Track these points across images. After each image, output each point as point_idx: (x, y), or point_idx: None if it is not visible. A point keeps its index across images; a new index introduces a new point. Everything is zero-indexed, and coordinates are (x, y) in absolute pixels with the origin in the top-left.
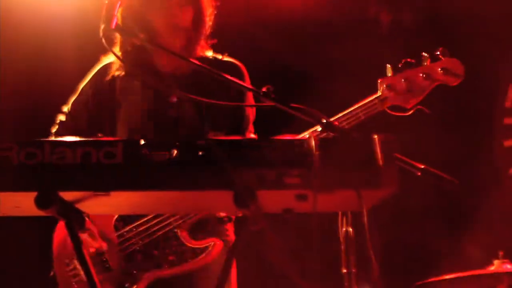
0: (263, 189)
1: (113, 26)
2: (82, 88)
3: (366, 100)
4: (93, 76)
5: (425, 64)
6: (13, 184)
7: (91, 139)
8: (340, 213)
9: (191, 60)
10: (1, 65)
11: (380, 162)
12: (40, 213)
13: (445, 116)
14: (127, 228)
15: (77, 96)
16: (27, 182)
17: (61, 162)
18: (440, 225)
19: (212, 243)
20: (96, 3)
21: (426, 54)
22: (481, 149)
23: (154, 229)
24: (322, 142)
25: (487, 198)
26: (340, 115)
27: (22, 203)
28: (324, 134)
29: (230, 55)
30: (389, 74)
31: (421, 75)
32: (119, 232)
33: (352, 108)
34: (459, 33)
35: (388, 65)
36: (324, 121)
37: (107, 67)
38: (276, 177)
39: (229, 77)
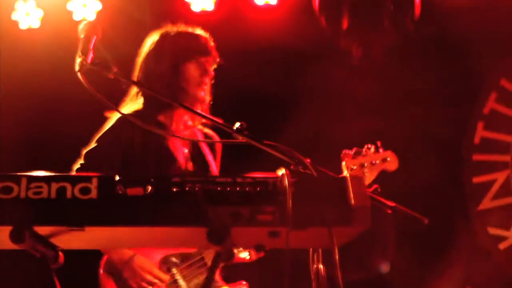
0: (237, 226)
1: (90, 60)
2: (100, 141)
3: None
4: (111, 130)
5: (371, 153)
6: None
7: (67, 174)
8: (311, 250)
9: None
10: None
11: (352, 201)
12: (14, 247)
13: (415, 149)
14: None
15: (95, 149)
16: (2, 216)
17: (37, 197)
18: (409, 259)
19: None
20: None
21: (370, 145)
22: (451, 183)
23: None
24: (295, 180)
25: (456, 233)
26: None
27: None
28: (297, 172)
29: None
30: (348, 158)
31: (371, 161)
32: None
33: None
34: (430, 65)
35: (345, 150)
36: (297, 159)
37: (124, 121)
38: (249, 214)
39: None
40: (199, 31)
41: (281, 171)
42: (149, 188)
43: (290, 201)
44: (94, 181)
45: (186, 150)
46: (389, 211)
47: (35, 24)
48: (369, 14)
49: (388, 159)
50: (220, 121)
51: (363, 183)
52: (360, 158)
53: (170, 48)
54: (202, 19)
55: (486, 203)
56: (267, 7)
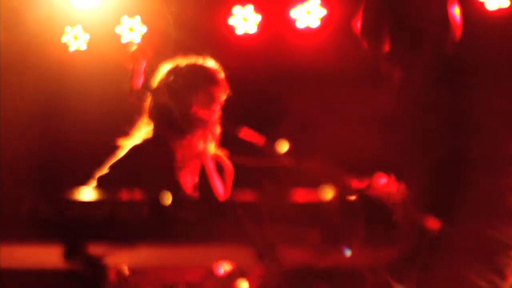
0: (284, 245)
1: (140, 84)
2: (113, 168)
3: None
4: (127, 157)
5: None
6: (41, 236)
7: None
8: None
9: None
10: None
11: (396, 222)
12: (66, 265)
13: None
14: None
15: (107, 175)
16: (52, 235)
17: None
18: None
19: None
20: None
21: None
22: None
23: None
24: (343, 203)
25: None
26: None
27: (48, 256)
28: (345, 195)
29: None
30: None
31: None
32: None
33: None
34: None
35: None
36: (341, 179)
37: (137, 150)
38: (296, 234)
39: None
40: (209, 62)
41: (328, 193)
42: (198, 210)
43: (338, 223)
44: (146, 202)
45: (197, 180)
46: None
47: (83, 47)
48: (409, 37)
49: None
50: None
51: (408, 203)
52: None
53: (180, 80)
54: (245, 42)
55: None
56: (308, 30)
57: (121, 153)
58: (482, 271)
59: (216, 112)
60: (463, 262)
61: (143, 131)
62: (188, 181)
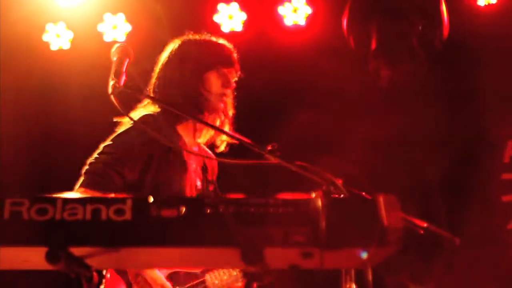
0: (270, 246)
1: (122, 82)
2: (112, 148)
3: None
4: (125, 138)
5: None
6: (24, 239)
7: (101, 196)
8: (343, 270)
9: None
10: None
11: (385, 221)
12: (49, 267)
13: (444, 171)
14: None
15: (107, 155)
16: (38, 237)
17: (72, 218)
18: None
19: None
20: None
21: None
22: (479, 202)
23: None
24: (328, 201)
25: (486, 253)
26: None
27: (32, 258)
28: (330, 193)
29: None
30: None
31: None
32: None
33: None
34: (460, 89)
35: None
36: (329, 179)
37: (139, 131)
38: (282, 235)
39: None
40: (222, 41)
41: (314, 192)
42: (183, 209)
43: (324, 222)
44: (129, 202)
45: (194, 166)
46: (421, 232)
47: (66, 45)
48: (397, 35)
49: None
50: (248, 141)
51: (396, 204)
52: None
53: (192, 55)
54: (231, 40)
55: None
56: (296, 28)
57: (119, 131)
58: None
59: (228, 96)
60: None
61: (142, 111)
62: (191, 166)
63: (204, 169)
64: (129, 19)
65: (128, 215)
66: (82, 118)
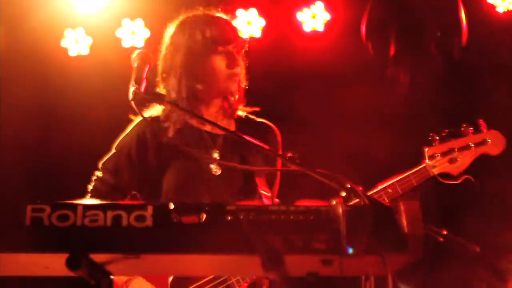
0: (290, 253)
1: (143, 89)
2: (123, 144)
3: (417, 168)
4: (136, 133)
5: (468, 135)
6: (45, 246)
7: (122, 202)
8: (363, 277)
9: (225, 127)
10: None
11: (405, 228)
12: (70, 274)
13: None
14: None
15: (118, 152)
16: (58, 243)
17: (93, 225)
18: None
19: None
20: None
21: (468, 126)
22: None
23: None
24: (348, 209)
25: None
26: (392, 181)
27: (52, 264)
28: (350, 200)
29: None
30: (434, 144)
31: (465, 145)
32: None
33: (405, 175)
34: (478, 94)
35: (432, 134)
36: (349, 186)
37: (149, 124)
38: (303, 242)
39: (257, 142)
40: (218, 14)
41: (334, 199)
42: (204, 216)
43: (344, 230)
44: (150, 209)
45: (217, 151)
46: (442, 239)
47: (84, 51)
48: (416, 41)
49: (489, 140)
50: (267, 147)
51: (417, 210)
52: (450, 142)
53: (189, 39)
54: (249, 45)
55: None
56: (314, 34)
57: (130, 129)
58: (484, 275)
59: (238, 74)
60: (466, 266)
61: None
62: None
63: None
64: (147, 25)
65: (149, 222)
66: (102, 124)
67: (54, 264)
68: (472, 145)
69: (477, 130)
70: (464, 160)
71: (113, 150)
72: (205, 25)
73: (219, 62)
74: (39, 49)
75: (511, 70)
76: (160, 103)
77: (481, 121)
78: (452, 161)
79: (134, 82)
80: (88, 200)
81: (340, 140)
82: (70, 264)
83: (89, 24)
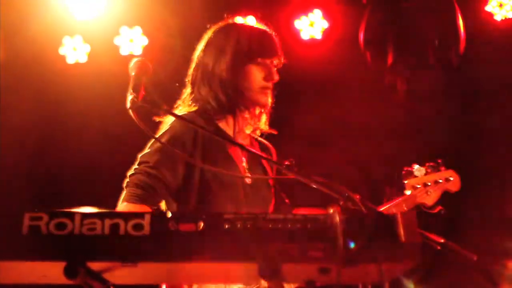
0: (287, 262)
1: (140, 98)
2: (149, 157)
3: (406, 196)
4: (187, 128)
5: (440, 171)
6: (42, 254)
7: (119, 211)
8: (360, 285)
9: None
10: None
11: (402, 237)
12: (67, 282)
13: None
14: None
15: (145, 165)
16: (56, 252)
17: (91, 233)
18: None
19: None
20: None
21: (441, 163)
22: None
23: None
24: (345, 217)
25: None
26: (385, 206)
27: (50, 272)
28: (347, 209)
29: None
30: (415, 176)
31: (438, 179)
32: None
33: (396, 201)
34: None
35: (415, 166)
36: (347, 195)
37: (182, 123)
38: (300, 250)
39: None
40: (263, 27)
41: (331, 208)
42: (201, 224)
43: (341, 238)
44: (147, 217)
45: (244, 160)
46: (439, 247)
47: (82, 59)
48: (414, 50)
49: (451, 178)
50: (266, 156)
51: (414, 220)
52: (423, 176)
53: (231, 45)
54: None
55: None
56: (313, 41)
57: (164, 128)
58: (478, 280)
59: (271, 88)
60: (460, 272)
61: (184, 107)
62: (239, 161)
63: (256, 163)
64: (145, 33)
65: (146, 230)
66: (99, 131)
67: (52, 272)
68: (440, 181)
69: (437, 168)
70: (435, 194)
71: (142, 160)
72: (251, 34)
73: (256, 73)
74: (38, 57)
75: (509, 77)
76: (158, 111)
77: (439, 161)
78: (428, 193)
79: (132, 91)
80: (87, 208)
81: (338, 148)
82: (68, 272)
83: (87, 32)
